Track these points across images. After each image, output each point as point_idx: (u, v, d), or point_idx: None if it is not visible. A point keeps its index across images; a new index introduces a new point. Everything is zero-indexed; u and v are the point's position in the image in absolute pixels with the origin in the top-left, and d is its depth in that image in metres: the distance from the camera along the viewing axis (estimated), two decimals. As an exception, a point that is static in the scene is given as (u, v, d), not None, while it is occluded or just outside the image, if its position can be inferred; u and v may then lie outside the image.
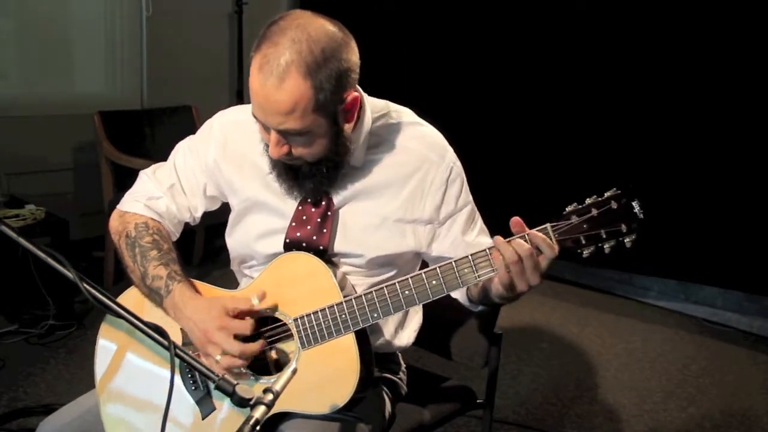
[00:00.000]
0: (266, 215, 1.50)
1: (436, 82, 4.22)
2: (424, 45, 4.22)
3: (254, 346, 1.36)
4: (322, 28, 1.27)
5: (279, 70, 1.24)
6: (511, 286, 1.28)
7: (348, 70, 1.29)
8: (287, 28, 1.25)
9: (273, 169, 1.42)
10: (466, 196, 1.51)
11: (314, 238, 1.45)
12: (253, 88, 1.28)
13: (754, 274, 3.55)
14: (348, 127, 1.38)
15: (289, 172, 1.40)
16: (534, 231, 1.25)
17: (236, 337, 1.36)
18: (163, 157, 1.61)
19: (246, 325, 1.36)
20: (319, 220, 1.44)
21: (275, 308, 1.41)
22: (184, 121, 3.96)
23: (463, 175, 1.51)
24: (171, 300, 1.42)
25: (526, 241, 1.25)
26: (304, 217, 1.45)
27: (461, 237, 1.50)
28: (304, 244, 1.45)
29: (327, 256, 1.46)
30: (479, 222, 1.55)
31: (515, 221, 1.26)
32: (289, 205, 1.47)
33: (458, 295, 1.54)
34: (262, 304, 1.40)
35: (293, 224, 1.46)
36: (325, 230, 1.45)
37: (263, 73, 1.25)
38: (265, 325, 1.44)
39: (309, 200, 1.45)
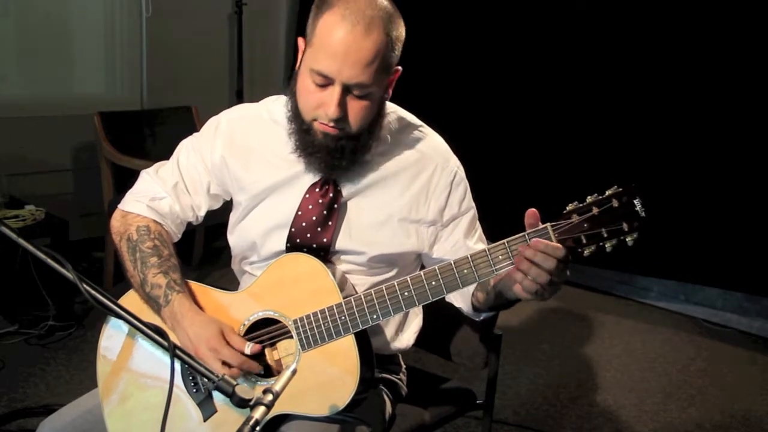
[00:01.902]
0: (273, 207, 1.49)
1: (435, 82, 4.22)
2: (423, 46, 4.21)
3: (235, 372, 1.35)
4: None
5: (366, 20, 1.27)
6: (541, 291, 1.26)
7: (402, 41, 1.36)
8: None
9: (298, 147, 1.41)
10: (469, 201, 1.53)
11: (318, 230, 1.44)
12: (332, 37, 1.28)
13: (755, 275, 3.55)
14: (385, 102, 1.42)
15: (321, 145, 1.37)
16: (546, 241, 1.22)
17: (224, 363, 1.35)
18: (163, 157, 1.61)
19: (236, 356, 1.35)
20: (325, 212, 1.44)
21: (259, 370, 1.39)
22: (184, 122, 3.95)
23: (467, 182, 1.53)
24: (169, 310, 1.42)
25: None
26: (311, 207, 1.45)
27: (463, 240, 1.51)
28: (308, 235, 1.45)
29: (329, 253, 1.46)
30: (479, 230, 1.56)
31: (531, 213, 1.24)
32: (297, 194, 1.46)
33: (461, 303, 1.54)
34: (252, 349, 1.38)
35: (299, 213, 1.46)
36: (329, 223, 1.44)
37: (348, 21, 1.27)
38: (266, 326, 1.43)
39: (317, 189, 1.45)
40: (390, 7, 1.33)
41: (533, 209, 1.24)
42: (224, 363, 1.35)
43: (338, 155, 1.38)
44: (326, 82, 1.30)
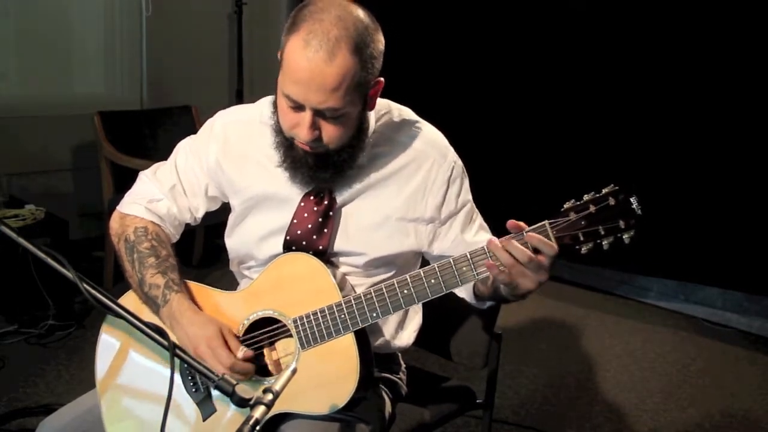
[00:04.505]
0: (268, 214, 1.50)
1: (433, 80, 4.22)
2: (422, 44, 4.22)
3: (240, 376, 1.35)
4: (359, 10, 1.30)
5: (329, 44, 1.23)
6: (515, 286, 1.27)
7: (381, 54, 1.32)
8: (328, 8, 1.26)
9: (284, 161, 1.41)
10: (466, 194, 1.52)
11: (314, 237, 1.45)
12: (296, 64, 1.25)
13: (754, 275, 3.55)
14: (369, 115, 1.40)
15: (303, 161, 1.38)
16: (531, 232, 1.24)
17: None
18: (163, 157, 1.61)
19: (230, 358, 1.35)
20: (320, 219, 1.44)
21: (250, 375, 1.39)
22: (183, 121, 3.96)
23: (465, 173, 1.52)
24: (168, 310, 1.42)
25: (523, 242, 1.24)
26: (306, 215, 1.45)
27: (461, 235, 1.50)
28: (304, 243, 1.45)
29: (327, 255, 1.46)
30: (478, 219, 1.55)
31: (511, 224, 1.25)
32: (292, 201, 1.46)
33: (464, 294, 1.54)
34: (244, 354, 1.37)
35: (294, 221, 1.46)
36: (325, 230, 1.44)
37: (311, 47, 1.23)
38: (266, 325, 1.43)
39: (312, 197, 1.45)
40: (363, 20, 1.28)
41: (513, 221, 1.24)
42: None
43: (320, 170, 1.39)
44: (297, 105, 1.30)
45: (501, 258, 1.25)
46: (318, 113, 1.29)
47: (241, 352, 1.37)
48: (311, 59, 1.24)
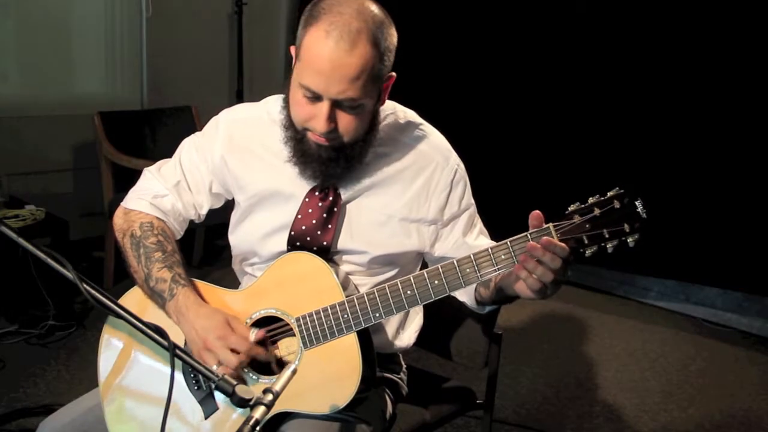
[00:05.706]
0: (272, 211, 1.50)
1: (437, 83, 4.22)
2: (425, 46, 4.22)
3: (244, 359, 1.36)
4: (374, 5, 1.32)
5: (351, 36, 1.26)
6: (544, 290, 1.28)
7: (395, 48, 1.35)
8: (345, 2, 1.29)
9: (294, 156, 1.41)
10: (469, 198, 1.53)
11: (318, 233, 1.45)
12: (317, 55, 1.27)
13: (754, 275, 3.55)
14: (381, 108, 1.42)
15: (315, 155, 1.38)
16: (555, 240, 1.23)
17: (233, 351, 1.36)
18: (163, 157, 1.61)
19: (244, 342, 1.36)
20: (324, 215, 1.45)
21: (269, 357, 1.41)
22: (184, 122, 3.96)
23: (467, 177, 1.53)
24: (174, 304, 1.42)
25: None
26: (310, 210, 1.45)
27: (462, 238, 1.51)
28: (308, 238, 1.45)
29: (330, 253, 1.47)
30: (479, 224, 1.57)
31: (535, 215, 1.25)
32: (297, 197, 1.47)
33: (465, 298, 1.55)
34: (256, 336, 1.39)
35: (299, 216, 1.46)
36: (329, 226, 1.45)
37: (332, 38, 1.26)
38: (268, 324, 1.44)
39: (317, 192, 1.45)
40: (379, 14, 1.31)
41: (538, 211, 1.25)
42: (233, 350, 1.35)
43: (333, 164, 1.39)
44: (315, 96, 1.31)
45: (547, 261, 1.23)
46: (336, 104, 1.31)
47: (253, 333, 1.38)
48: (333, 49, 1.26)
